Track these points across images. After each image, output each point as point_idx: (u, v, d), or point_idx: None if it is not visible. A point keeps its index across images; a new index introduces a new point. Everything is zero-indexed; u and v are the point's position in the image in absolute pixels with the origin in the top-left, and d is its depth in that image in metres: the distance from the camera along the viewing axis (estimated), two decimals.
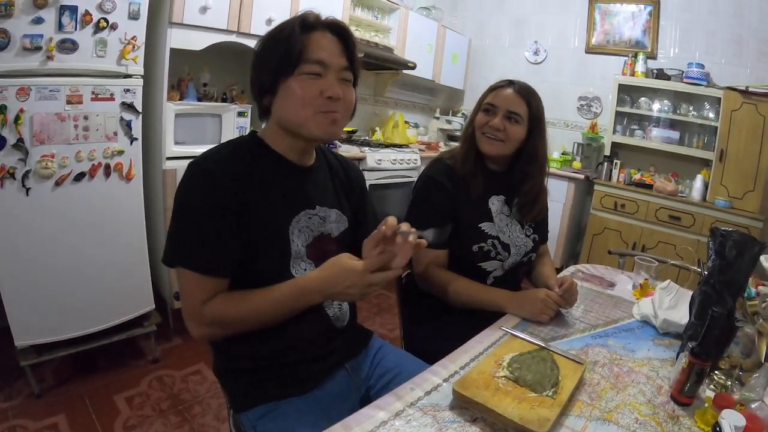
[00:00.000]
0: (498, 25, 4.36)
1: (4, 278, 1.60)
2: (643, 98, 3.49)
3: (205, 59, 2.30)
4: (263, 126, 0.95)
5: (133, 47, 1.76)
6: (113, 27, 1.68)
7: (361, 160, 2.94)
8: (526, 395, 0.75)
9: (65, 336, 1.76)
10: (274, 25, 0.91)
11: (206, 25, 2.11)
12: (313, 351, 0.93)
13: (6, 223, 1.57)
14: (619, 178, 3.56)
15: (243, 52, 2.35)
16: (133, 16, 1.73)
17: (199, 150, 0.92)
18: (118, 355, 2.00)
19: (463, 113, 4.40)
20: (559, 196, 3.58)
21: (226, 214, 0.81)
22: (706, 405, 0.78)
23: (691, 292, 1.06)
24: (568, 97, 4.01)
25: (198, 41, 2.11)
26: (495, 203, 1.28)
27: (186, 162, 0.86)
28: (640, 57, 3.44)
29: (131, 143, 1.83)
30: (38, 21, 1.50)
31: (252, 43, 2.22)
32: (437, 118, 4.40)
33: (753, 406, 0.75)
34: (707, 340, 0.80)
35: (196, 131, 2.17)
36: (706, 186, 3.20)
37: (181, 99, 2.13)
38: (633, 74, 3.47)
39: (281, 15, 2.39)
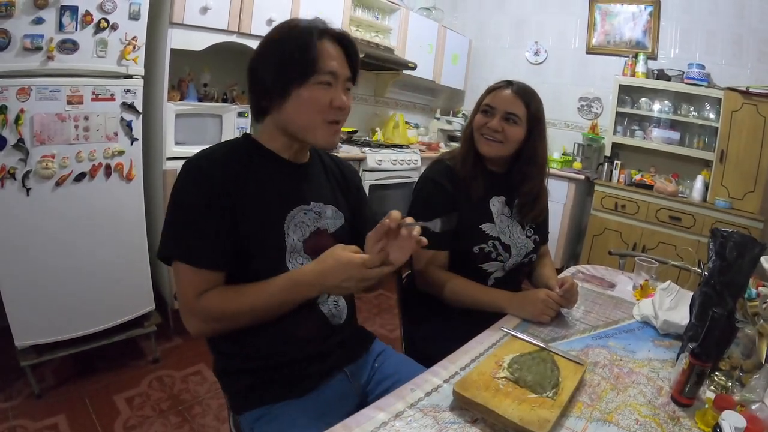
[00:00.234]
0: (498, 25, 4.36)
1: (4, 278, 1.60)
2: (643, 99, 3.49)
3: (206, 59, 2.30)
4: (255, 128, 0.96)
5: (134, 47, 1.76)
6: (114, 27, 1.68)
7: (362, 160, 2.94)
8: (527, 396, 0.75)
9: (65, 336, 1.76)
10: (274, 25, 0.92)
11: (207, 26, 2.11)
12: (309, 349, 0.93)
13: (6, 224, 1.57)
14: (619, 178, 3.56)
15: (243, 52, 2.35)
16: (134, 17, 1.74)
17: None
18: (118, 356, 2.00)
19: (463, 114, 4.40)
20: (559, 197, 3.58)
21: (220, 209, 0.83)
22: (707, 406, 0.78)
23: (691, 293, 1.06)
24: (568, 97, 4.01)
25: (198, 41, 2.11)
26: (496, 204, 1.28)
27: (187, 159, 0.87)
28: (641, 57, 3.44)
29: (132, 143, 1.83)
30: (39, 21, 1.50)
31: (253, 44, 2.23)
32: (438, 119, 4.41)
33: (753, 407, 0.75)
34: (707, 341, 0.80)
35: (197, 131, 2.17)
36: (706, 186, 3.20)
37: (181, 99, 2.14)
38: (633, 75, 3.47)
39: (282, 15, 2.39)
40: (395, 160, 3.14)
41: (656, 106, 3.45)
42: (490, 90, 1.28)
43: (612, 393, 0.83)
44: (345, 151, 2.94)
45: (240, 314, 0.84)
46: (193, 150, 0.94)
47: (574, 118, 4.02)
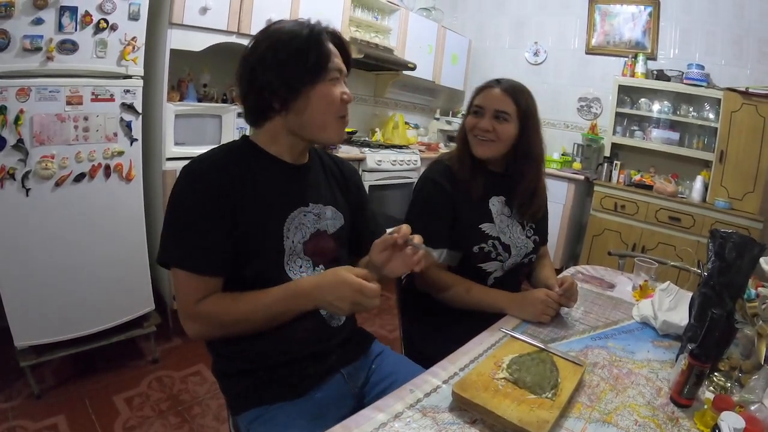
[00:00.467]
0: (498, 25, 4.36)
1: (4, 278, 1.60)
2: (643, 99, 3.49)
3: (205, 60, 2.30)
4: (252, 131, 0.96)
5: (133, 48, 1.76)
6: (113, 28, 1.68)
7: (361, 161, 2.94)
8: (526, 397, 0.75)
9: (65, 336, 1.76)
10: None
11: (206, 26, 2.11)
12: (308, 351, 0.93)
13: (6, 224, 1.57)
14: (619, 179, 3.56)
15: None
16: (133, 17, 1.74)
17: (199, 151, 0.93)
18: (117, 356, 2.00)
19: (463, 114, 4.38)
20: (559, 197, 3.58)
21: (218, 214, 0.83)
22: (706, 407, 0.78)
23: (690, 294, 1.07)
24: (568, 97, 4.01)
25: (198, 42, 2.11)
26: (495, 204, 1.28)
27: (186, 163, 0.87)
28: (640, 58, 3.44)
29: (131, 144, 1.83)
30: (38, 22, 1.50)
31: None
32: (437, 119, 4.41)
33: (752, 407, 0.75)
34: (707, 342, 0.80)
35: (196, 132, 2.17)
36: (705, 187, 3.20)
37: (181, 100, 2.14)
38: (633, 75, 3.47)
39: (281, 16, 2.39)
40: (395, 161, 3.14)
41: (656, 107, 3.46)
42: (479, 90, 1.28)
43: (611, 394, 0.83)
44: (344, 152, 2.95)
45: (239, 323, 0.84)
46: (192, 150, 0.95)
47: (574, 119, 4.03)
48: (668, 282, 1.28)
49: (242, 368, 0.91)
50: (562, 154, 3.92)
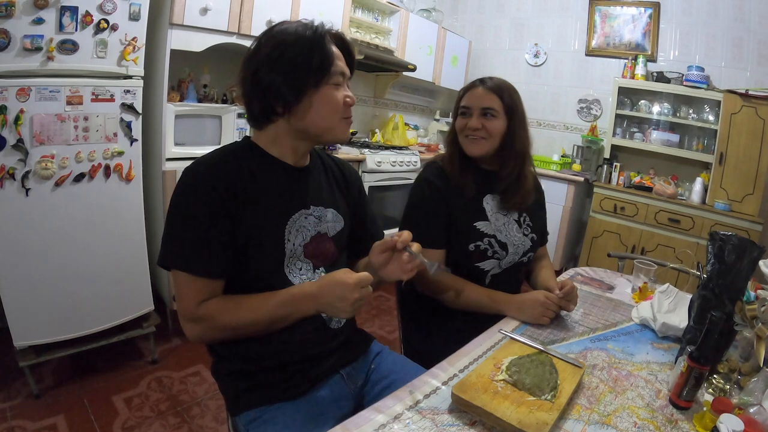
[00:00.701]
0: (498, 27, 4.37)
1: (3, 278, 1.60)
2: (642, 101, 3.49)
3: (206, 60, 2.30)
4: (252, 133, 0.96)
5: (134, 48, 1.76)
6: (114, 28, 1.69)
7: (361, 161, 2.94)
8: (525, 399, 0.75)
9: (64, 337, 1.76)
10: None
11: (207, 27, 2.11)
12: (307, 352, 0.93)
13: (6, 224, 1.57)
14: (618, 180, 3.56)
15: (243, 53, 2.35)
16: (134, 17, 1.74)
17: (199, 151, 0.93)
18: (117, 356, 2.00)
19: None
20: (558, 199, 3.58)
21: (219, 217, 0.82)
22: (705, 409, 0.78)
23: (690, 296, 1.06)
24: (567, 99, 4.02)
25: (198, 42, 2.11)
26: (489, 202, 1.28)
27: (186, 163, 0.87)
28: (640, 60, 3.45)
29: (131, 144, 1.83)
30: (39, 21, 1.51)
31: None
32: (437, 120, 4.41)
33: (751, 410, 0.75)
34: (706, 344, 0.80)
35: (196, 132, 2.17)
36: (705, 189, 3.20)
37: (181, 100, 2.14)
38: (633, 77, 3.48)
39: (282, 16, 2.39)
40: (395, 162, 3.14)
41: (656, 109, 3.46)
42: (464, 91, 1.30)
43: (610, 396, 0.83)
44: (345, 153, 2.95)
45: (239, 327, 0.84)
46: (192, 151, 0.95)
47: (574, 120, 4.03)
48: (668, 284, 1.28)
49: (242, 369, 0.91)
50: (562, 156, 3.93)
